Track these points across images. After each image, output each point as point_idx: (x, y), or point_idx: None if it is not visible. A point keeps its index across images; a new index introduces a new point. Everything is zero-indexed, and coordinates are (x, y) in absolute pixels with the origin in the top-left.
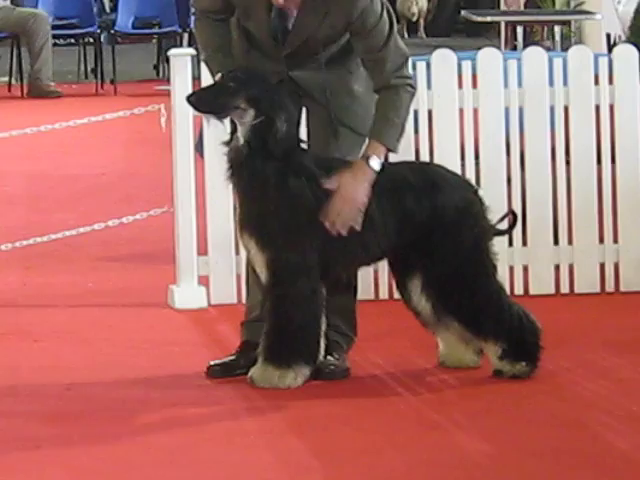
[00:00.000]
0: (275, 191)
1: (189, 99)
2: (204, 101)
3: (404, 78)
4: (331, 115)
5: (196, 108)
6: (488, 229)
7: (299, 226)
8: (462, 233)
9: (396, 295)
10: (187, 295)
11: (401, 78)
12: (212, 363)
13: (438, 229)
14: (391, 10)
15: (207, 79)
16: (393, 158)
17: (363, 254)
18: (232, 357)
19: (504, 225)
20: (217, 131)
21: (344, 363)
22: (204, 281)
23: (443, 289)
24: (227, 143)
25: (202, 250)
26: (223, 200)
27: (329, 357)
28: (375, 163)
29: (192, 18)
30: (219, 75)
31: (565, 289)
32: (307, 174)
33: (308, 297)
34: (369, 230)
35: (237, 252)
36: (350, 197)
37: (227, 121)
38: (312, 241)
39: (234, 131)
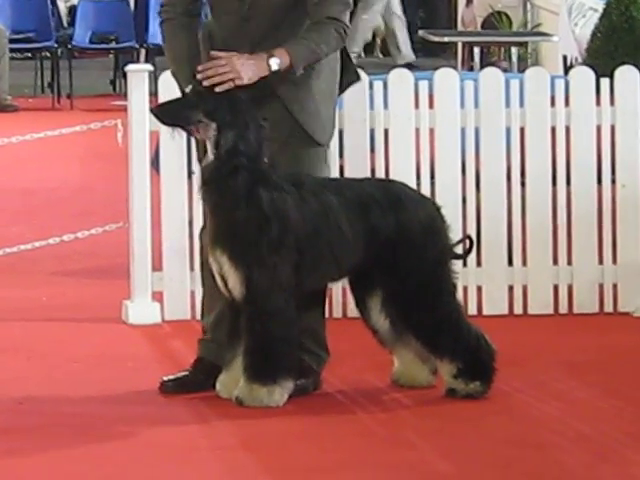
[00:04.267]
0: (245, 206)
1: (153, 111)
2: (168, 114)
3: (339, 21)
4: (290, 114)
5: (161, 121)
6: (450, 247)
7: (272, 241)
8: (426, 250)
9: (350, 314)
10: (141, 311)
11: (336, 21)
12: (165, 379)
13: (402, 245)
14: None
15: (164, 95)
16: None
17: (334, 269)
18: (185, 373)
19: (458, 249)
20: (174, 146)
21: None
22: (158, 297)
23: (404, 305)
24: (200, 160)
25: (157, 266)
26: (178, 216)
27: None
28: (274, 62)
29: (150, 33)
30: (189, 87)
31: (519, 310)
32: (277, 188)
33: (284, 311)
34: (340, 245)
35: (192, 268)
36: (237, 68)
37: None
38: (286, 256)
39: (205, 148)
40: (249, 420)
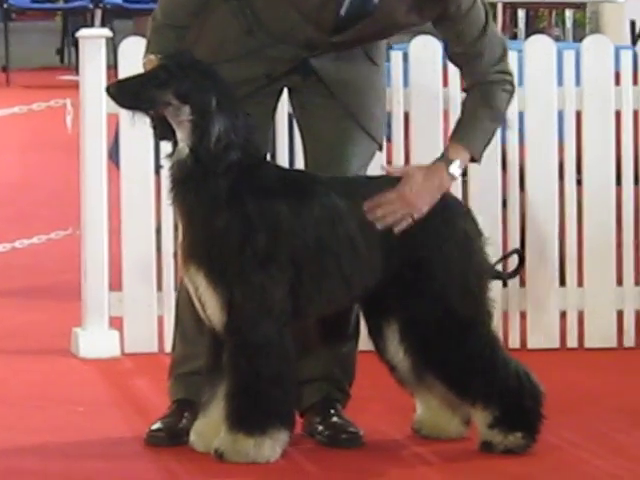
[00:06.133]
0: (229, 212)
1: (108, 90)
2: (127, 93)
3: (503, 74)
4: (352, 116)
5: (117, 102)
6: (487, 266)
7: (260, 255)
8: (455, 270)
9: (362, 346)
10: (95, 341)
11: (500, 73)
12: (154, 428)
13: (426, 262)
14: None
15: (126, 68)
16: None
17: (344, 292)
18: (173, 419)
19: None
20: (137, 134)
21: (356, 427)
22: (117, 324)
23: (426, 339)
24: (170, 156)
25: (115, 285)
26: (143, 221)
27: (335, 418)
28: (456, 170)
29: None
30: (151, 57)
31: (573, 343)
32: (267, 189)
33: (276, 343)
34: (351, 260)
35: (159, 288)
36: (411, 201)
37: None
38: (278, 274)
39: (175, 140)
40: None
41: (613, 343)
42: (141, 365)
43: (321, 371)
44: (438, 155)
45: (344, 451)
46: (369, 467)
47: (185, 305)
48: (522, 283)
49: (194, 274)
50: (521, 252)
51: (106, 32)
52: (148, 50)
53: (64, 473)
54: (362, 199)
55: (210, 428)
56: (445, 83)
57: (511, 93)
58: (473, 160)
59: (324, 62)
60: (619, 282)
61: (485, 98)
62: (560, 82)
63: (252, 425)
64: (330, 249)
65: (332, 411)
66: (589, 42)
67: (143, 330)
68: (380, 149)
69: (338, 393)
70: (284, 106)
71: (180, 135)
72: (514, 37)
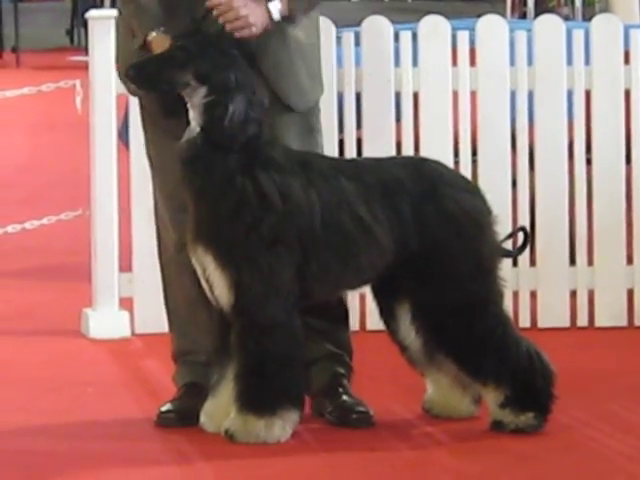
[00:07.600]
0: (238, 192)
1: (129, 73)
2: (147, 75)
3: None
4: (271, 91)
5: (138, 85)
6: (497, 246)
7: (269, 237)
8: (467, 250)
9: (370, 326)
10: (105, 321)
11: None
12: (164, 409)
13: (436, 242)
14: None
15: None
16: (372, 153)
17: (352, 274)
18: (183, 401)
19: (509, 244)
20: None
21: (365, 407)
22: (127, 304)
23: (437, 319)
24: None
25: (125, 266)
26: (153, 202)
27: (344, 397)
28: (274, 8)
29: None
30: (153, 35)
31: (583, 321)
32: (278, 170)
33: (284, 324)
34: (360, 243)
35: None
36: (240, 11)
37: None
38: (286, 255)
39: (187, 120)
40: (242, 460)
41: (623, 322)
42: (151, 345)
43: (322, 350)
44: (440, 135)
45: (354, 431)
46: (379, 447)
47: (181, 299)
48: (532, 262)
49: (202, 255)
50: (526, 230)
51: (115, 13)
52: (142, 30)
53: (74, 454)
54: (371, 181)
55: (220, 409)
56: (454, 62)
57: None
58: (289, 17)
59: None
60: (629, 261)
61: None
62: (569, 61)
63: (262, 406)
64: (339, 231)
65: (340, 389)
66: (598, 21)
67: (153, 310)
68: (315, 104)
69: (342, 367)
70: None
71: (193, 114)
72: (523, 16)
